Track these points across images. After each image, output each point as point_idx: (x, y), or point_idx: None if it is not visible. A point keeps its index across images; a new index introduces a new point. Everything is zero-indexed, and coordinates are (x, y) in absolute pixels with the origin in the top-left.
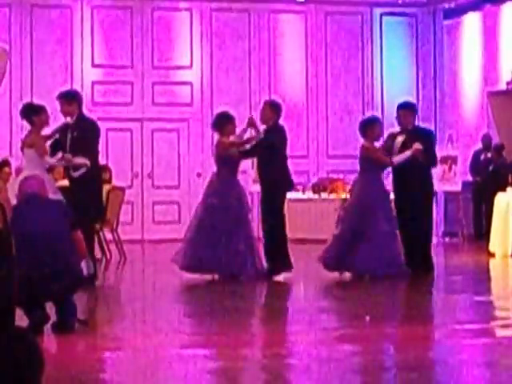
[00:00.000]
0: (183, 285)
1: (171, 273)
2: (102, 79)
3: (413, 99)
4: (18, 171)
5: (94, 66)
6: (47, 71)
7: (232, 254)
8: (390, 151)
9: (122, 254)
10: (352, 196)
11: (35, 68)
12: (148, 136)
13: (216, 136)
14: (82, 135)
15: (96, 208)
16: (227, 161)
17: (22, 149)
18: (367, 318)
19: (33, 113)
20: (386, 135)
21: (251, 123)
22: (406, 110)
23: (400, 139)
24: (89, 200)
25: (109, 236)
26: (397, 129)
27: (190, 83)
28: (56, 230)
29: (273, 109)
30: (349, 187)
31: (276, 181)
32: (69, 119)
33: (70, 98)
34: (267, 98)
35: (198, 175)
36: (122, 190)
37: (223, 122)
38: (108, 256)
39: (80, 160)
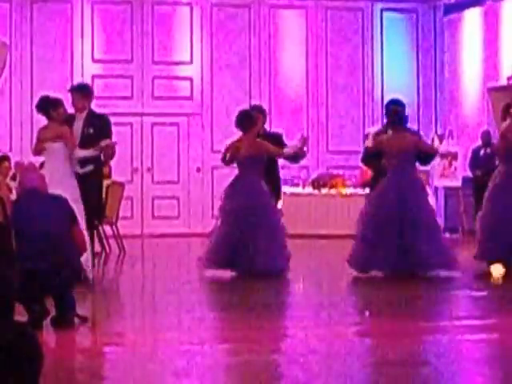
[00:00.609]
0: (183, 279)
1: (170, 267)
2: (102, 73)
3: (413, 95)
4: (17, 166)
5: (94, 60)
6: (47, 66)
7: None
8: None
9: (122, 248)
10: (398, 192)
11: (35, 63)
12: (148, 130)
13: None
14: (100, 132)
15: (97, 203)
16: (257, 161)
17: (39, 143)
18: (367, 313)
19: (50, 106)
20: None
21: (303, 142)
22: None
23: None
24: (91, 196)
25: (108, 231)
26: (375, 128)
27: (190, 78)
28: (55, 225)
29: (264, 115)
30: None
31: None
32: (73, 111)
33: (86, 92)
34: (253, 104)
35: (198, 170)
36: (122, 185)
37: (250, 123)
38: (107, 250)
39: (107, 141)
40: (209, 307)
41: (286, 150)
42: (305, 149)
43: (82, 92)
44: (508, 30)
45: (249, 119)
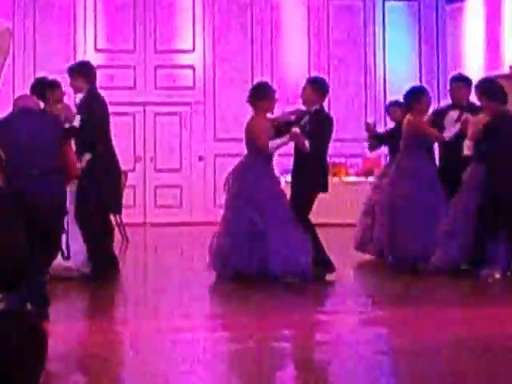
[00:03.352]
0: (186, 269)
1: (173, 255)
2: (105, 63)
3: (415, 83)
4: None
5: (96, 50)
6: (50, 56)
7: None
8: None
9: (125, 237)
10: (401, 176)
11: (38, 53)
12: (150, 120)
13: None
14: (89, 116)
15: (107, 194)
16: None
17: None
18: (369, 302)
19: (47, 87)
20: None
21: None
22: (460, 82)
23: (454, 114)
24: (97, 187)
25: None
26: (443, 105)
27: (193, 67)
28: (42, 136)
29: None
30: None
31: None
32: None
33: (80, 71)
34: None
35: (200, 159)
36: (125, 173)
37: (256, 96)
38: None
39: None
40: (212, 295)
41: (271, 146)
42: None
43: (71, 72)
44: (510, 19)
45: (257, 92)
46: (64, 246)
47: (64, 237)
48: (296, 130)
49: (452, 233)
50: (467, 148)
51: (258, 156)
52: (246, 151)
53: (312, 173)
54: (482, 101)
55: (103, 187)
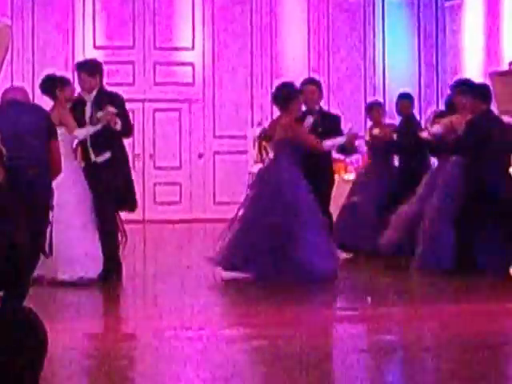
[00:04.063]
0: (186, 266)
1: (172, 252)
2: (104, 59)
3: (415, 80)
4: None
5: (95, 46)
6: (49, 52)
7: None
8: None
9: (124, 234)
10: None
11: (36, 49)
12: (149, 116)
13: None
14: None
15: (124, 193)
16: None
17: None
18: (368, 299)
19: (57, 85)
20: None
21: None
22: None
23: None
24: (115, 185)
25: None
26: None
27: (192, 64)
28: (23, 128)
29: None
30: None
31: None
32: (80, 91)
33: (93, 70)
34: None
35: (200, 156)
36: None
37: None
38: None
39: (104, 111)
40: (212, 294)
41: (326, 144)
42: (356, 143)
43: (89, 69)
44: (509, 15)
45: (283, 93)
46: (47, 243)
47: (48, 232)
48: (354, 131)
49: (438, 233)
50: (429, 133)
51: (288, 156)
52: (244, 149)
53: (326, 168)
54: (466, 98)
55: (122, 183)
